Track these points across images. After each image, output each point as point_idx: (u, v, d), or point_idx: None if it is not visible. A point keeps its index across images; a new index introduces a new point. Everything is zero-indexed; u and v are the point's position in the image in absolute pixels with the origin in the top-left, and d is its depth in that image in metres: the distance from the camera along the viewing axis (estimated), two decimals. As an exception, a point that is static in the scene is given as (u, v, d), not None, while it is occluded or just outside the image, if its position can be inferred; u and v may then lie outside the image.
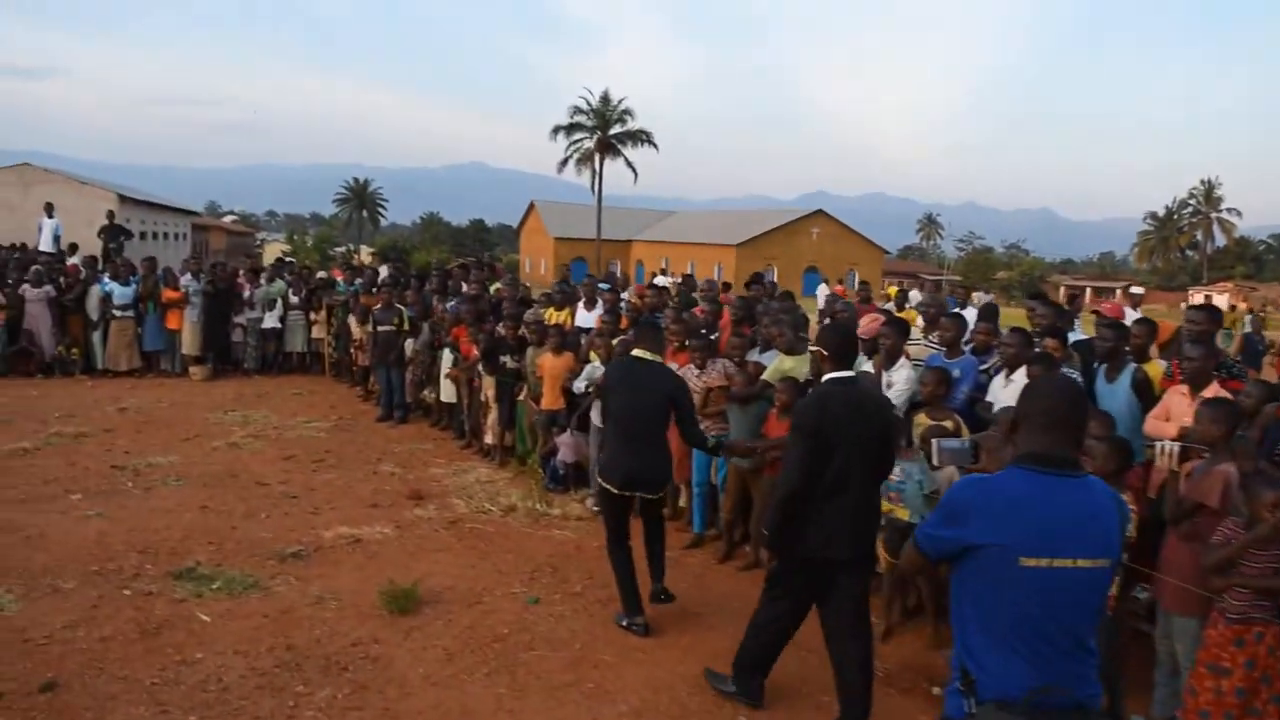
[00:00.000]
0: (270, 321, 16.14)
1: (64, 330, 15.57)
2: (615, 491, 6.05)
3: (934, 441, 4.22)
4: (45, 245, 19.23)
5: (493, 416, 10.80)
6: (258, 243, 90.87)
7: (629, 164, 69.48)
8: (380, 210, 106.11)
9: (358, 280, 16.18)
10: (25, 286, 15.12)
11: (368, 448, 11.33)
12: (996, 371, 7.49)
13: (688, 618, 6.51)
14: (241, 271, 16.63)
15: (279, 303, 16.17)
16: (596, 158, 68.41)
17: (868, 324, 8.43)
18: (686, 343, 8.65)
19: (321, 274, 17.26)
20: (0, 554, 7.15)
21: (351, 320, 15.01)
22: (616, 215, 75.06)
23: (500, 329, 10.90)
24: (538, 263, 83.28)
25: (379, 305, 12.82)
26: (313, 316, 16.37)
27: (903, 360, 7.36)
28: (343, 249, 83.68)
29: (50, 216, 19.62)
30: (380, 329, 12.65)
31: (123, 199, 35.98)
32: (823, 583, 4.75)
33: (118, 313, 15.44)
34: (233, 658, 5.63)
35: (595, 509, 8.46)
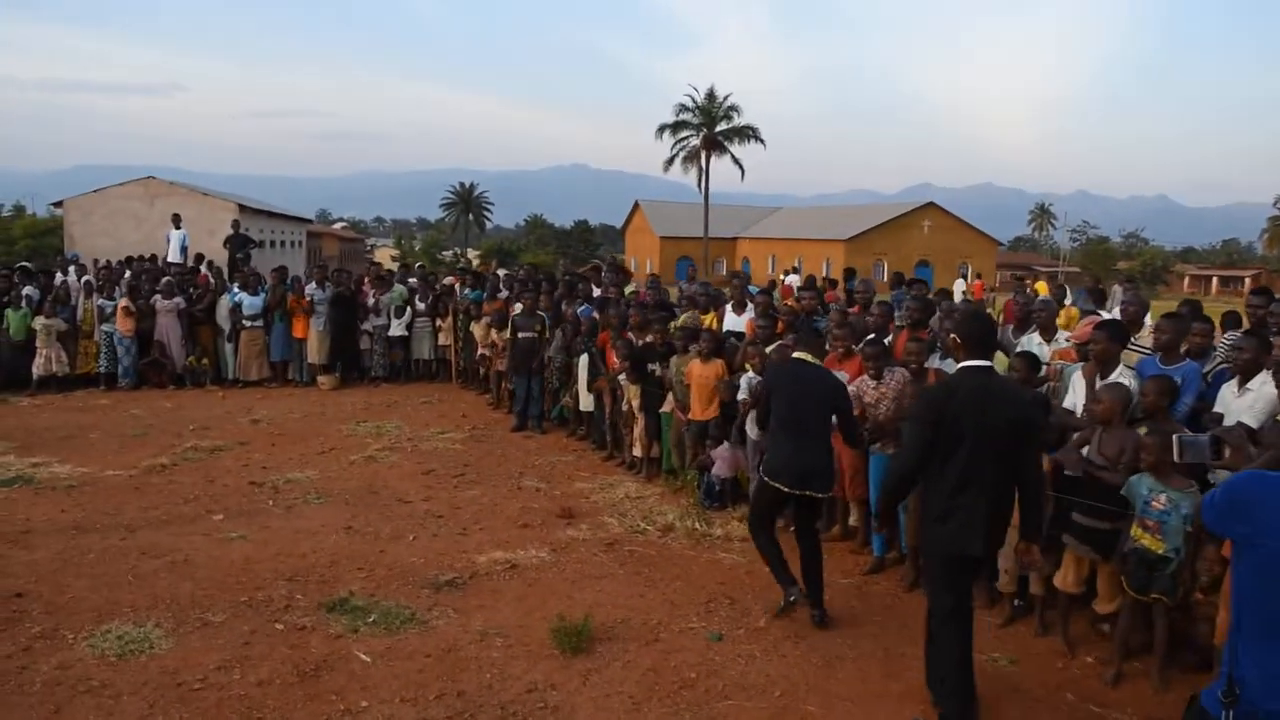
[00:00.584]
0: (396, 329, 15.83)
1: (194, 341, 15.49)
2: (786, 491, 6.04)
3: (1174, 437, 3.67)
4: (173, 256, 19.34)
5: (639, 428, 10.19)
6: (368, 248, 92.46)
7: (735, 161, 68.57)
8: (486, 213, 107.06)
9: (464, 286, 15.77)
10: (156, 298, 15.08)
11: (507, 460, 10.83)
12: (1220, 378, 6.61)
13: (893, 658, 5.78)
14: (366, 279, 16.35)
15: (406, 310, 15.83)
16: (703, 155, 67.61)
17: (1081, 329, 7.56)
18: (854, 348, 7.93)
19: (448, 279, 16.92)
20: (148, 581, 6.79)
21: (475, 327, 14.59)
22: (722, 213, 74.25)
23: (645, 334, 10.29)
24: (643, 262, 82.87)
25: (519, 311, 12.31)
26: (439, 323, 16.00)
27: (1121, 368, 6.50)
28: (449, 252, 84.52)
29: (177, 228, 19.73)
30: (521, 335, 12.15)
31: (243, 208, 36.48)
32: (958, 579, 4.69)
33: (247, 323, 15.30)
34: (400, 707, 5.09)
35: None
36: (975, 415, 4.37)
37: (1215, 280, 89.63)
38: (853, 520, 8.17)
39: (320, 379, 15.49)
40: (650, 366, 9.86)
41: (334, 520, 8.37)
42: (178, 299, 15.23)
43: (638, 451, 10.28)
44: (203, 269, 18.35)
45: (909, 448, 4.58)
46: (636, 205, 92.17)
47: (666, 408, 9.86)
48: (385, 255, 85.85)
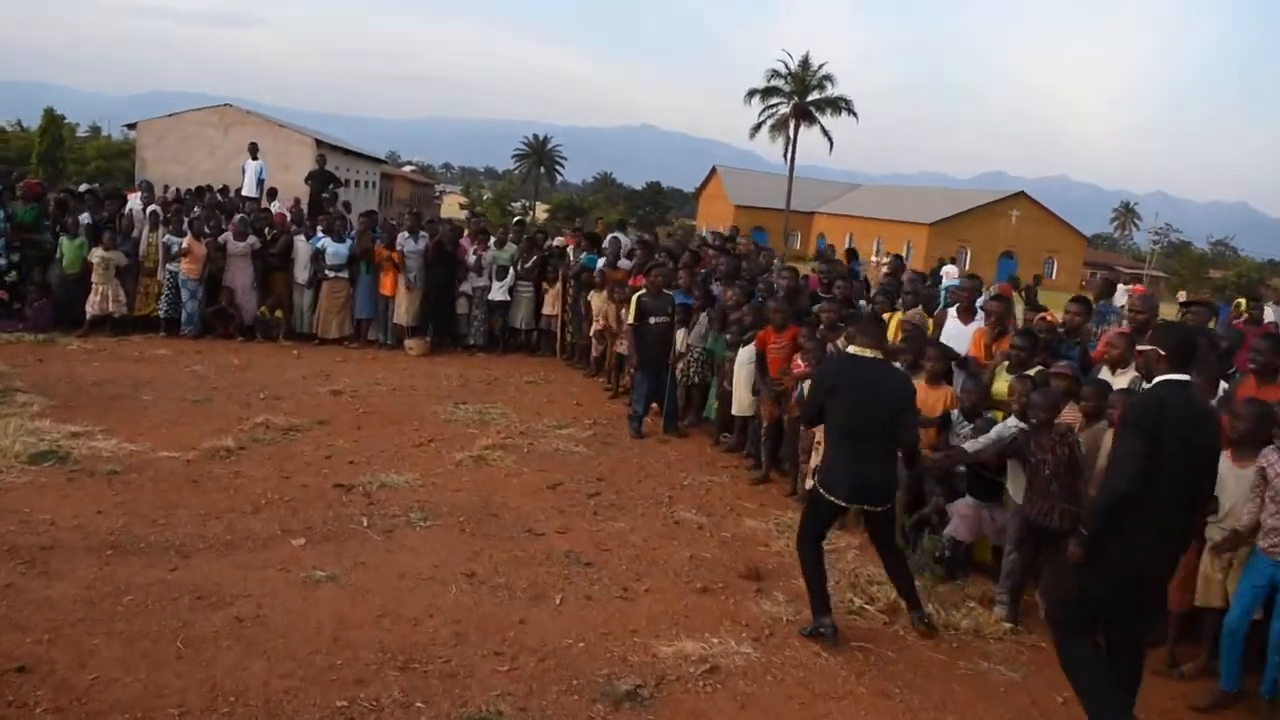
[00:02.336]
0: (498, 293, 13.73)
1: (267, 289, 13.54)
2: (839, 504, 5.58)
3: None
4: (249, 189, 17.37)
5: (819, 457, 8.01)
6: (436, 194, 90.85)
7: (824, 132, 65.86)
8: (558, 167, 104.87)
9: (579, 249, 13.65)
10: (226, 237, 13.10)
11: (647, 475, 8.72)
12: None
13: None
14: (467, 232, 14.23)
15: (509, 271, 13.74)
16: (791, 124, 64.86)
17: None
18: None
19: (558, 239, 14.75)
20: (203, 653, 4.78)
21: (594, 297, 12.46)
22: (799, 186, 71.28)
23: (835, 337, 8.09)
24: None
25: (647, 290, 10.11)
26: (545, 289, 13.89)
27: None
28: (519, 204, 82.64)
29: (254, 158, 17.74)
30: (653, 320, 9.96)
31: (320, 143, 34.70)
32: (1123, 602, 4.46)
33: (330, 273, 13.29)
34: None
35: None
36: (1179, 432, 4.20)
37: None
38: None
39: (408, 343, 13.47)
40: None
41: (449, 558, 6.31)
42: (251, 240, 13.26)
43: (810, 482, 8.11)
44: (272, 204, 16.34)
45: (1126, 464, 4.27)
46: (714, 171, 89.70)
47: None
48: (453, 202, 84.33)
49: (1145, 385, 4.75)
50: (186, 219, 13.31)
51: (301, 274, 13.44)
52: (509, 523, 7.11)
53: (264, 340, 13.26)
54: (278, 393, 10.47)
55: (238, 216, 13.43)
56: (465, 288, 13.67)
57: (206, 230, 13.10)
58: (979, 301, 8.93)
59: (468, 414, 10.27)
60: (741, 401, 9.42)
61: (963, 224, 71.99)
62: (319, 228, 13.61)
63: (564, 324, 13.82)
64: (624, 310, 11.25)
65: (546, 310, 14.01)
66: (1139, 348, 4.88)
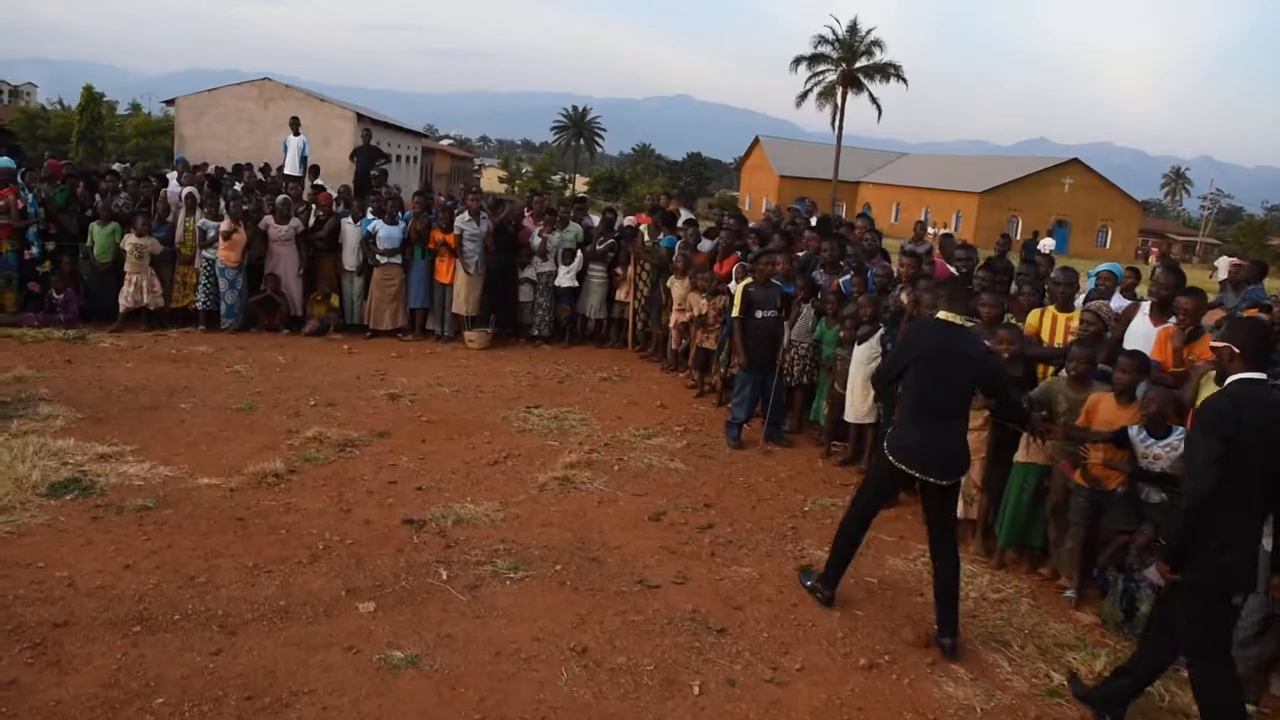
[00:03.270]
0: (566, 278, 12.50)
1: (313, 276, 12.40)
2: (909, 473, 5.19)
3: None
4: (291, 167, 16.24)
5: (974, 475, 6.76)
6: (475, 168, 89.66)
7: (873, 99, 63.82)
8: (598, 139, 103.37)
9: (655, 229, 12.39)
10: (268, 220, 11.95)
11: (760, 500, 7.50)
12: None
13: None
14: (529, 211, 12.98)
15: (576, 255, 12.50)
16: (839, 91, 62.90)
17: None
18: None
19: (629, 219, 13.47)
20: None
21: (675, 284, 11.21)
22: (843, 155, 69.36)
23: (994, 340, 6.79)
24: (758, 201, 78.81)
25: (755, 280, 8.82)
26: (618, 274, 12.64)
27: None
28: (558, 176, 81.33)
29: (296, 133, 16.59)
30: (763, 314, 8.70)
31: (360, 118, 33.58)
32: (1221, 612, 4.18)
33: (382, 258, 12.12)
34: None
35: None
36: (1259, 434, 3.95)
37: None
38: None
39: (468, 335, 12.30)
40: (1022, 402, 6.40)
41: (553, 626, 5.12)
42: (295, 223, 12.11)
43: (971, 514, 6.85)
44: (316, 182, 15.15)
45: (1203, 467, 3.99)
46: (756, 141, 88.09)
47: (1028, 457, 6.45)
48: (492, 176, 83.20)
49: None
50: (224, 200, 12.17)
51: (350, 260, 12.29)
52: (615, 570, 5.91)
53: (312, 334, 12.10)
54: (330, 397, 9.34)
55: (280, 198, 12.26)
56: (529, 273, 12.43)
57: (246, 212, 11.95)
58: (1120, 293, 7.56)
59: (543, 421, 9.08)
60: (858, 408, 8.19)
61: (1014, 192, 70.28)
62: (368, 209, 12.44)
63: (635, 312, 12.58)
64: (711, 301, 10.05)
65: (619, 297, 12.76)
66: (1212, 344, 4.47)
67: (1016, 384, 6.43)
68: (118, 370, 9.72)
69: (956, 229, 60.71)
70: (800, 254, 10.46)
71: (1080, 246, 69.20)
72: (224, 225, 11.51)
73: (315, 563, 5.63)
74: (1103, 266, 8.55)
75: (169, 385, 9.28)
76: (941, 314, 5.31)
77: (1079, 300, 7.80)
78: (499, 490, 7.14)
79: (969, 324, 5.37)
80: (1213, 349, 4.41)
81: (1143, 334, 6.67)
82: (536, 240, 12.37)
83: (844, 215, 66.31)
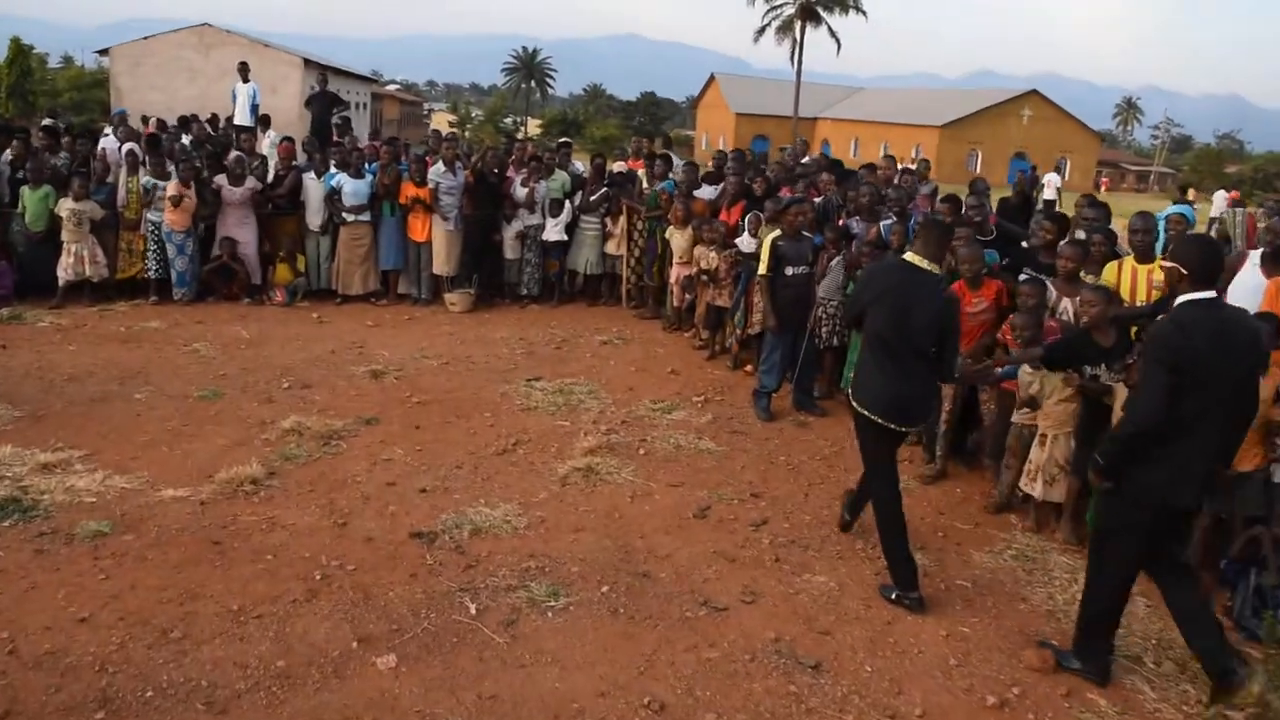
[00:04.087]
0: (554, 232, 11.42)
1: (274, 237, 11.24)
2: (879, 422, 4.96)
3: None
4: (241, 117, 14.91)
5: (1043, 455, 5.89)
6: (425, 113, 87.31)
7: (832, 33, 62.54)
8: (549, 81, 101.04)
9: (650, 174, 11.39)
10: (221, 180, 10.74)
11: (812, 485, 6.61)
12: None
13: None
14: (511, 160, 11.82)
15: (565, 205, 11.43)
16: (798, 25, 61.51)
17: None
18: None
19: (619, 165, 12.36)
20: None
21: (675, 236, 10.22)
22: (800, 91, 68.00)
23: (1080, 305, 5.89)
24: (715, 139, 77.48)
25: (784, 233, 7.81)
26: (609, 226, 11.58)
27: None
28: (510, 119, 79.30)
29: (245, 80, 15.22)
30: (793, 272, 7.71)
31: (308, 63, 31.92)
32: (1158, 534, 4.17)
33: (349, 216, 10.98)
34: None
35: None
36: (1208, 356, 3.86)
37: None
38: None
39: (449, 297, 11.23)
40: (1093, 371, 5.54)
41: (616, 672, 4.19)
42: (251, 182, 10.91)
43: (1035, 490, 5.98)
44: (270, 136, 13.87)
45: (1150, 397, 3.93)
46: (712, 79, 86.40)
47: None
48: (441, 120, 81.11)
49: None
50: (170, 159, 10.93)
51: (315, 219, 11.13)
52: (670, 588, 4.98)
53: (277, 303, 10.97)
54: (304, 377, 8.28)
55: (234, 154, 11.04)
56: (516, 226, 11.34)
57: (197, 170, 10.73)
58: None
59: (547, 396, 8.10)
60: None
61: (974, 125, 69.59)
62: (331, 161, 11.26)
63: (629, 265, 11.56)
64: (722, 254, 9.09)
65: (610, 250, 11.71)
66: (1162, 265, 4.43)
67: (1107, 354, 5.55)
68: (60, 355, 8.57)
69: (917, 161, 59.89)
70: (816, 200, 9.50)
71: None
72: (170, 189, 10.28)
73: (314, 600, 4.64)
74: (1171, 209, 7.64)
75: (120, 371, 8.16)
76: (908, 255, 5.03)
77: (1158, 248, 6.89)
78: (515, 488, 6.17)
79: (935, 270, 5.01)
80: (1163, 269, 4.27)
81: (1252, 287, 5.79)
82: (521, 191, 11.27)
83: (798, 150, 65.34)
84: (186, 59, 29.78)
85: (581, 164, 12.93)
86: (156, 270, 10.62)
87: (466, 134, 62.44)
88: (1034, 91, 73.73)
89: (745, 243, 9.12)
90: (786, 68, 65.60)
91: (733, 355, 9.45)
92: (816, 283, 8.11)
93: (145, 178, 10.45)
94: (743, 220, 9.41)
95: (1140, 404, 4.05)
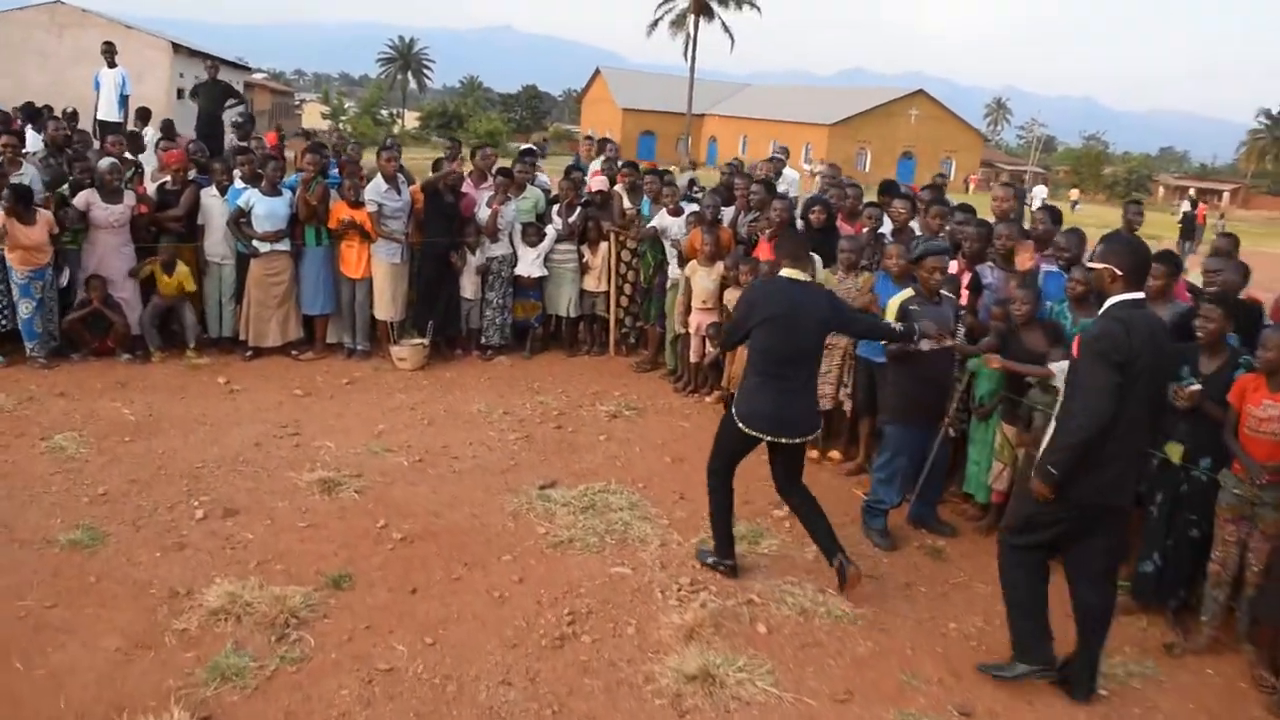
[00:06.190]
0: (533, 265, 9.01)
1: (154, 272, 8.54)
2: (756, 437, 4.96)
3: None
4: (108, 110, 12.04)
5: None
6: (296, 104, 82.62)
7: (726, 29, 61.28)
8: (426, 72, 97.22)
9: (630, 190, 9.18)
10: (89, 196, 8.03)
11: (1035, 694, 4.39)
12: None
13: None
14: (469, 174, 9.29)
15: (546, 232, 9.04)
16: (690, 20, 59.96)
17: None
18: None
19: (596, 179, 9.84)
20: None
21: (696, 274, 7.99)
22: (686, 87, 66.48)
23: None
24: (601, 135, 75.30)
25: (912, 292, 5.60)
26: (586, 256, 9.25)
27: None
28: (387, 112, 75.46)
29: (111, 64, 12.35)
30: (929, 347, 5.45)
31: (177, 48, 28.48)
32: (1081, 529, 4.18)
33: (262, 245, 8.37)
34: None
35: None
36: (1143, 356, 3.90)
37: (1192, 191, 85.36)
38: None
39: (396, 351, 8.71)
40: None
41: None
42: (130, 199, 8.24)
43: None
44: (149, 133, 11.09)
45: (1098, 398, 3.89)
46: (597, 73, 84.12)
47: None
48: (314, 111, 77.01)
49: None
50: (15, 166, 8.17)
51: (217, 249, 8.51)
52: None
53: (162, 354, 8.31)
54: (226, 495, 5.75)
55: (106, 162, 8.28)
56: (475, 260, 8.89)
57: (48, 184, 8.01)
58: None
59: (576, 516, 5.78)
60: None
61: (863, 124, 69.32)
62: (235, 172, 8.63)
63: (618, 304, 9.27)
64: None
65: (588, 286, 9.37)
66: (1090, 265, 4.26)
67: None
68: None
69: (807, 161, 59.02)
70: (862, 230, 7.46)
71: (925, 178, 68.78)
72: (1, 215, 7.50)
73: None
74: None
75: (-57, 493, 5.48)
76: (786, 272, 4.99)
77: None
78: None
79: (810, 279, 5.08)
80: (1090, 269, 4.20)
81: None
82: (484, 212, 8.82)
83: (688, 149, 63.64)
84: (36, 40, 26.04)
85: (547, 177, 10.48)
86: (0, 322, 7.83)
87: (341, 126, 58.70)
88: (921, 91, 73.85)
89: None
90: (664, 63, 64.32)
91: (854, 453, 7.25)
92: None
93: (-17, 199, 7.64)
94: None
95: (1090, 405, 3.93)
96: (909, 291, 5.60)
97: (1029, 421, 5.67)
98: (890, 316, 5.57)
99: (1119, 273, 3.98)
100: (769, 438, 4.94)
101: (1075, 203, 49.51)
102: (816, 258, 6.95)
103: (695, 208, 8.49)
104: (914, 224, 7.45)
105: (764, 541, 5.65)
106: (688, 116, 62.96)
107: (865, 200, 8.11)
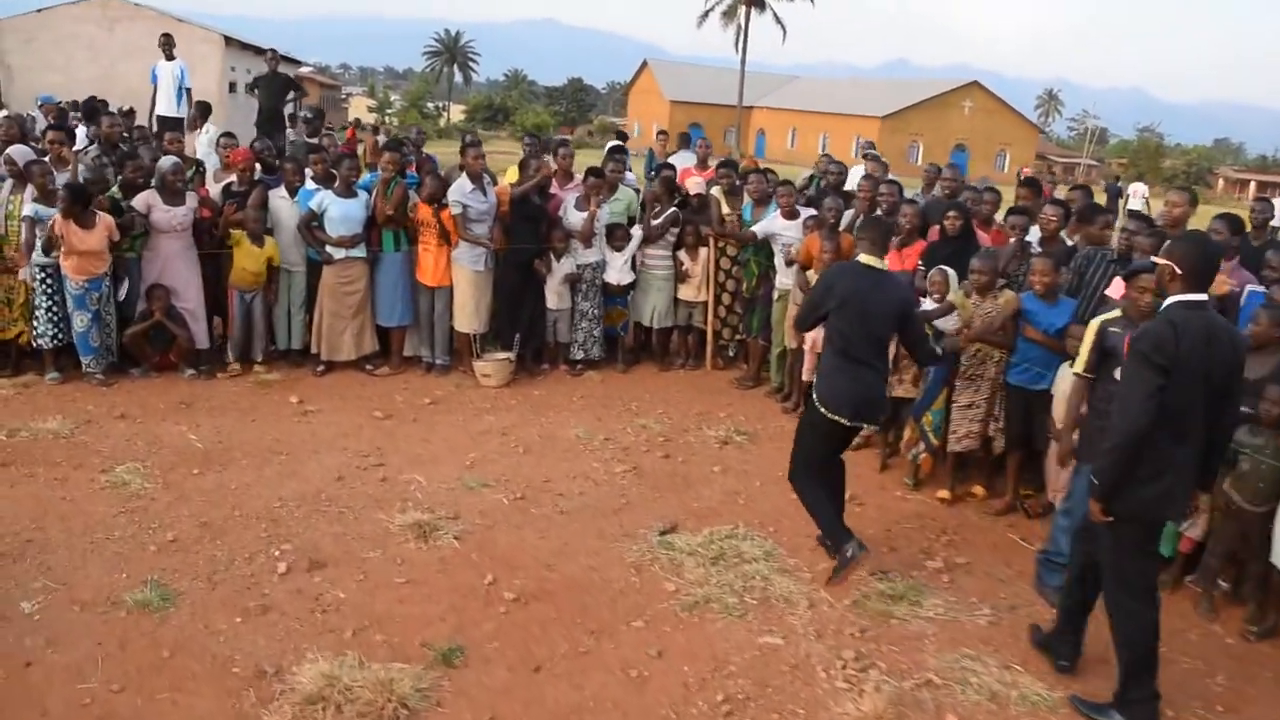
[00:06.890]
0: (621, 272, 8.29)
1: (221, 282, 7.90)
2: (846, 424, 4.97)
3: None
4: (166, 105, 11.43)
5: None
6: (343, 97, 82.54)
7: (778, 20, 60.36)
8: (472, 65, 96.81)
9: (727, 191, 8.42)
10: (150, 198, 7.38)
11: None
12: None
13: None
14: (555, 174, 8.52)
15: (633, 236, 8.30)
16: (742, 11, 59.06)
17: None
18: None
19: (695, 179, 9.06)
20: None
21: (794, 283, 7.20)
22: (735, 78, 65.45)
23: None
24: (648, 128, 74.59)
25: (1119, 312, 4.81)
26: (686, 263, 8.50)
27: None
28: (433, 105, 75.06)
29: (170, 57, 11.73)
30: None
31: (228, 41, 28.05)
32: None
33: (337, 252, 7.69)
34: None
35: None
36: (1198, 360, 3.67)
37: (1254, 185, 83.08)
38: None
39: (479, 366, 8.00)
40: None
41: None
42: (192, 201, 7.59)
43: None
44: (208, 130, 10.48)
45: (1138, 401, 3.68)
46: (645, 65, 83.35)
47: None
48: (361, 105, 76.74)
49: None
50: (71, 165, 7.55)
51: (286, 255, 7.84)
52: None
53: (233, 371, 7.67)
54: (310, 544, 5.06)
55: (168, 161, 7.61)
56: (563, 267, 8.16)
57: (119, 176, 7.39)
58: None
59: (707, 569, 5.04)
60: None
61: (915, 116, 68.19)
62: (307, 171, 7.96)
63: (717, 315, 8.53)
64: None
65: (686, 295, 8.62)
66: (1152, 259, 4.10)
67: None
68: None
69: (857, 154, 58.00)
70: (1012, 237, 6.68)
71: (980, 171, 67.34)
72: (56, 220, 6.86)
73: None
74: None
75: (-9, 542, 4.83)
76: (863, 258, 4.99)
77: None
78: None
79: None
80: (1159, 265, 3.93)
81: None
82: (574, 215, 8.09)
83: (737, 142, 62.65)
84: (87, 34, 25.68)
85: (633, 174, 9.73)
86: (54, 336, 7.20)
87: (388, 120, 58.30)
88: (975, 83, 72.48)
89: (925, 307, 6.21)
90: (708, 55, 63.37)
91: (915, 472, 6.45)
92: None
93: (32, 205, 7.02)
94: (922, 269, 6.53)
95: (1130, 408, 3.72)
96: (1116, 312, 4.81)
97: (1232, 464, 4.88)
98: (1087, 342, 4.77)
99: (1178, 271, 3.80)
100: (850, 422, 4.96)
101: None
102: (951, 272, 6.24)
103: (812, 211, 7.68)
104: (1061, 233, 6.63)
105: (926, 602, 4.86)
106: (739, 108, 61.99)
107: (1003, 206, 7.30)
